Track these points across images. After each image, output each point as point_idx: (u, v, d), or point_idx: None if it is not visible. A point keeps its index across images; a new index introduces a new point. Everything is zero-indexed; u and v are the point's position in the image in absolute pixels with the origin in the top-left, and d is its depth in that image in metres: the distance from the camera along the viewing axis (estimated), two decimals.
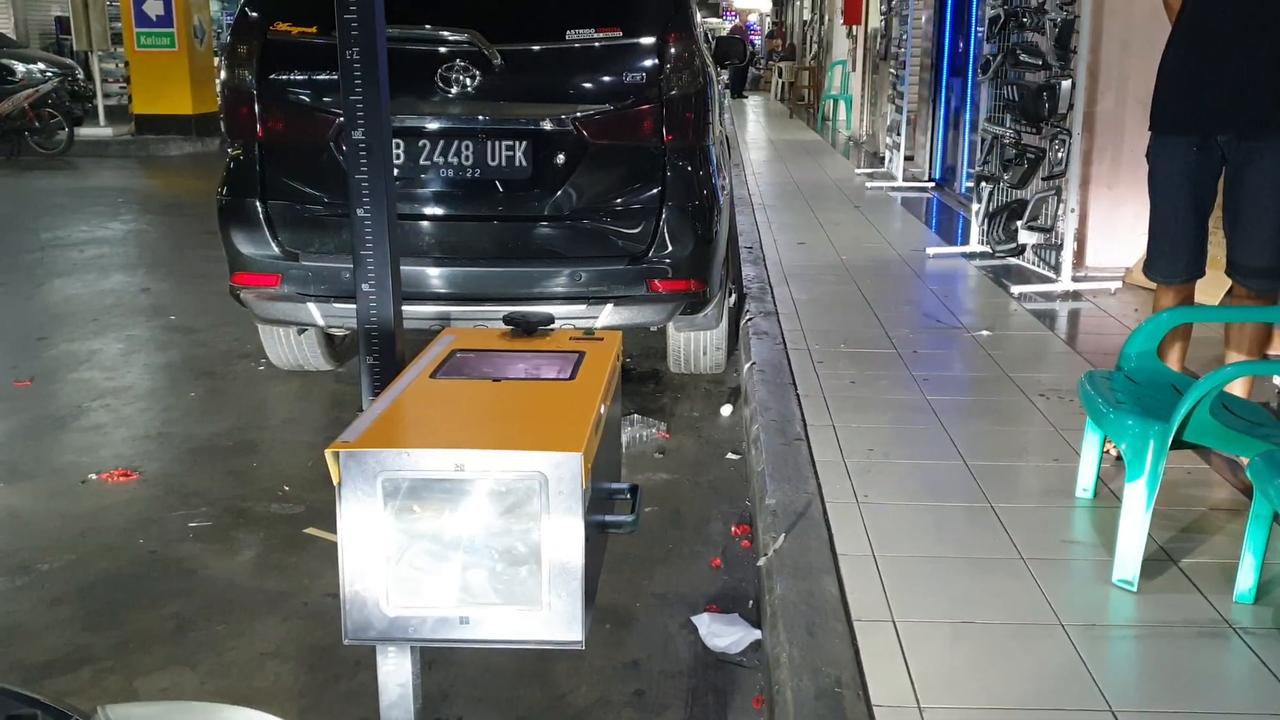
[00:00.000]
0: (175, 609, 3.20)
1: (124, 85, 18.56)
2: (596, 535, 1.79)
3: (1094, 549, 3.18)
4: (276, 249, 4.40)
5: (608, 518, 1.91)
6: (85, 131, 16.04)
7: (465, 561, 1.65)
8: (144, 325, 6.37)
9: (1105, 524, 3.25)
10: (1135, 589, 2.90)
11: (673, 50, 4.35)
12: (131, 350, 5.87)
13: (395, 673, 1.83)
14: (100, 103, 17.20)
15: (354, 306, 2.23)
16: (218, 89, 4.69)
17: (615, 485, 2.02)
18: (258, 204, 4.40)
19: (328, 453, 1.60)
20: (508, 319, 2.20)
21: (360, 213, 2.02)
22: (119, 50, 18.03)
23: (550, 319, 2.22)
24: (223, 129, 4.56)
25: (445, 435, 1.72)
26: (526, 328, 2.19)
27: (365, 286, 2.05)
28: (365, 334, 2.08)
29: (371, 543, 1.63)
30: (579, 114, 4.32)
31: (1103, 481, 3.53)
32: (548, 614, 1.65)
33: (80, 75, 18.32)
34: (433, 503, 1.64)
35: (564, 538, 1.62)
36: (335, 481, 1.61)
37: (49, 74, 17.01)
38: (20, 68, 17.17)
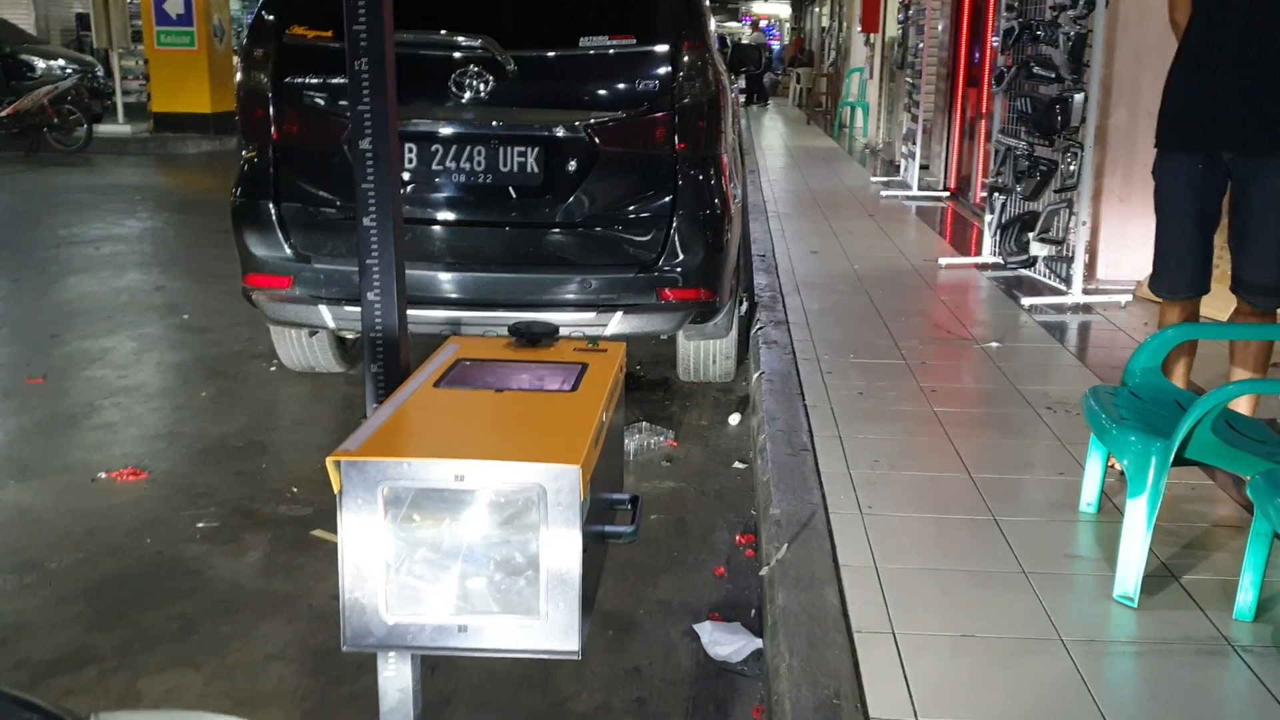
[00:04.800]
0: (181, 609, 3.23)
1: (143, 83, 18.68)
2: (595, 546, 1.81)
3: (1096, 564, 3.18)
4: (289, 251, 4.42)
5: (607, 528, 1.93)
6: (104, 128, 16.16)
7: (464, 570, 1.67)
8: (157, 324, 6.41)
9: (1108, 539, 3.26)
10: (1136, 605, 2.91)
11: (686, 58, 4.36)
12: (144, 349, 5.91)
13: (395, 679, 1.85)
14: (119, 100, 17.34)
15: None
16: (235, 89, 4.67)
17: (616, 496, 2.04)
18: (271, 206, 4.42)
19: (329, 461, 1.62)
20: (513, 329, 2.22)
21: (366, 221, 2.04)
22: (139, 48, 18.14)
23: (555, 329, 2.23)
24: (238, 130, 4.60)
25: (446, 445, 1.74)
26: (531, 338, 2.20)
27: (370, 295, 2.07)
28: (370, 342, 2.10)
29: (371, 551, 1.65)
30: (591, 121, 4.34)
31: (1106, 496, 3.54)
32: (545, 623, 1.67)
33: (100, 72, 18.40)
34: (432, 512, 1.66)
35: (562, 548, 1.64)
36: (336, 490, 1.63)
37: (69, 70, 17.11)
38: (40, 64, 17.27)
